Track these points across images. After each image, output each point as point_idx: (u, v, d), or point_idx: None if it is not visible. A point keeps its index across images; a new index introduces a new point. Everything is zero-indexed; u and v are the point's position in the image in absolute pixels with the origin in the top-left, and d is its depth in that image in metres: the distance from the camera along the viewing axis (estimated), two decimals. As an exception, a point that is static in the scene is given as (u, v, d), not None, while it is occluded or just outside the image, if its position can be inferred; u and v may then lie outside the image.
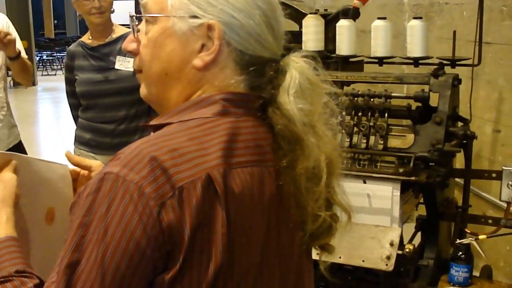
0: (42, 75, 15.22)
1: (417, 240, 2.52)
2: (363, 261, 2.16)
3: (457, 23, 3.52)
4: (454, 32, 2.48)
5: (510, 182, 2.18)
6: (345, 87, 2.56)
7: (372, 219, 2.27)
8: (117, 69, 2.88)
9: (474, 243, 2.13)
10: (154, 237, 0.83)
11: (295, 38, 2.76)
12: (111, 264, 0.83)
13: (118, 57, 2.91)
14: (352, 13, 3.40)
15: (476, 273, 2.55)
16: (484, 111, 3.40)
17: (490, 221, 2.34)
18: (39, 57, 16.41)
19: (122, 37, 2.96)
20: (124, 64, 2.88)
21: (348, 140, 2.34)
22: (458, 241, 2.16)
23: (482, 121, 3.42)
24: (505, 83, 3.21)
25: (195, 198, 0.84)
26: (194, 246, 0.84)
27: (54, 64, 16.35)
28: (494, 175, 2.27)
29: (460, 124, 2.44)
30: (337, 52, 2.61)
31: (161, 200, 0.83)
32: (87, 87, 2.90)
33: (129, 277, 0.83)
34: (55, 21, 22.84)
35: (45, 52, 17.04)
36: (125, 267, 0.83)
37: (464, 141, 2.36)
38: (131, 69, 2.96)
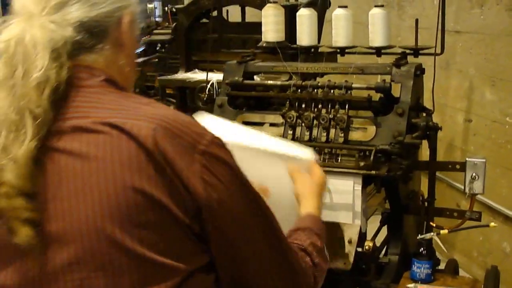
0: None
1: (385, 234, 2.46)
2: (321, 259, 2.08)
3: (428, 12, 3.45)
4: (417, 20, 2.41)
5: (473, 174, 2.12)
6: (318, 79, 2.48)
7: (334, 215, 2.19)
8: None
9: (436, 238, 2.06)
10: None
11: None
12: None
13: None
14: (321, 2, 3.33)
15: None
16: (456, 100, 3.35)
17: (455, 214, 2.27)
18: None
19: None
20: None
21: (308, 133, 2.26)
22: (419, 236, 2.09)
23: (455, 110, 3.37)
24: (475, 72, 3.15)
25: None
26: None
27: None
28: (458, 166, 2.20)
29: (424, 115, 2.36)
30: (298, 43, 2.53)
31: None
32: None
33: None
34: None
35: None
36: None
37: (428, 132, 2.28)
38: None
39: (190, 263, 1.04)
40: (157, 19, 6.87)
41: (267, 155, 1.53)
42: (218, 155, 1.05)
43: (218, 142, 1.07)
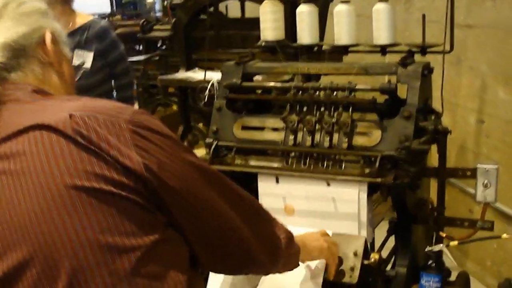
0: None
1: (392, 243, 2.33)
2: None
3: (438, 4, 3.30)
4: (423, 16, 2.26)
5: (485, 181, 1.98)
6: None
7: (339, 225, 2.07)
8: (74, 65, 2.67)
9: (445, 249, 1.92)
10: None
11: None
12: None
13: (76, 51, 2.67)
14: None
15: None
16: (468, 99, 3.20)
17: (466, 223, 2.13)
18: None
19: (81, 28, 2.73)
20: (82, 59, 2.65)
21: (310, 138, 2.13)
22: (427, 248, 1.96)
23: (466, 110, 3.22)
24: (488, 69, 2.99)
25: None
26: None
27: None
28: (468, 173, 2.05)
29: (432, 117, 2.22)
30: (298, 41, 2.39)
31: None
32: None
33: None
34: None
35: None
36: None
37: (437, 136, 2.14)
38: (88, 65, 2.73)
39: (149, 236, 1.05)
40: (157, 14, 6.69)
41: None
42: (144, 121, 1.07)
43: (142, 111, 1.10)
